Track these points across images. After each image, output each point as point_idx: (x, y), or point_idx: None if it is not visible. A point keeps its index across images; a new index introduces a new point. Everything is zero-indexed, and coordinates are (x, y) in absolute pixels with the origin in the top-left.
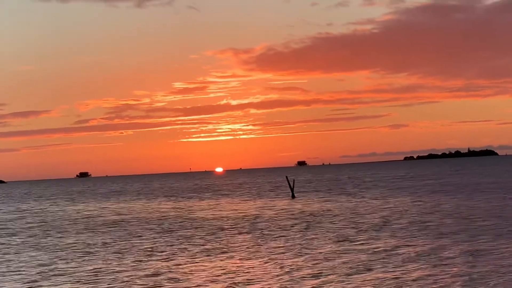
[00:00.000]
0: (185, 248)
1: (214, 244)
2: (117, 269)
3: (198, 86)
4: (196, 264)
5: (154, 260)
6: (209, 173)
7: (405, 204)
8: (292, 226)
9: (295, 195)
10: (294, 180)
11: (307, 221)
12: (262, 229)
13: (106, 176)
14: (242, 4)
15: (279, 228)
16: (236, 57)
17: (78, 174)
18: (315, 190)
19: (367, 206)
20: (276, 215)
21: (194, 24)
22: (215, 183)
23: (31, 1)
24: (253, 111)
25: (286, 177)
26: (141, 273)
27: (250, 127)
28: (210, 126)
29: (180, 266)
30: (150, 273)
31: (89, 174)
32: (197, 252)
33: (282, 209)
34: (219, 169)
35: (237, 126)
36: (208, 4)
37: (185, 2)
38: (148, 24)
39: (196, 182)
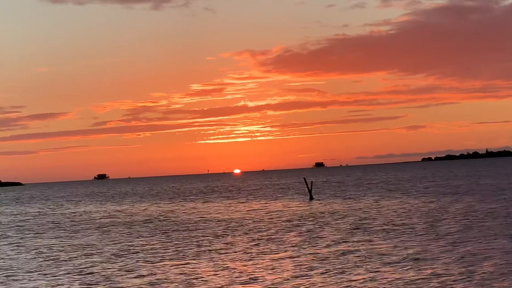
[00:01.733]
0: (191, 250)
1: (219, 246)
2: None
3: (215, 87)
4: (196, 266)
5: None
6: (227, 175)
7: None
8: (302, 227)
9: (313, 196)
10: (312, 181)
11: (322, 223)
12: (279, 231)
13: (129, 177)
14: (259, 6)
15: (294, 230)
16: (253, 59)
17: (96, 176)
18: (334, 191)
19: (390, 208)
20: (292, 217)
21: (211, 25)
22: (235, 184)
23: (47, 4)
24: (270, 112)
25: (304, 178)
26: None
27: (268, 128)
28: (228, 128)
29: (179, 268)
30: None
31: (107, 176)
32: (202, 253)
33: (299, 211)
34: (237, 171)
35: (254, 128)
36: (225, 6)
37: (202, 4)
38: (165, 26)
39: (212, 183)
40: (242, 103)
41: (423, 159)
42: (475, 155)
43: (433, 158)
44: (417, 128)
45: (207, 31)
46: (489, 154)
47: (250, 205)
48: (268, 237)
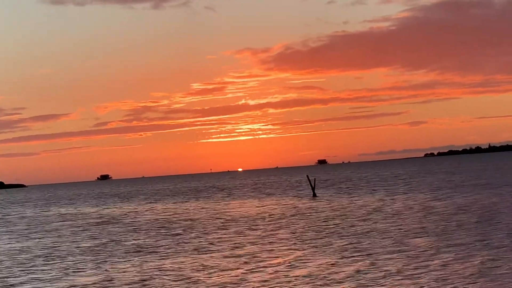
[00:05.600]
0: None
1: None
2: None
3: (216, 86)
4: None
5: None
6: (232, 173)
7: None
8: (301, 225)
9: (317, 193)
10: (315, 179)
11: (321, 220)
12: (282, 227)
13: (143, 177)
14: (259, 4)
15: (297, 226)
16: (254, 57)
17: (99, 177)
18: (337, 188)
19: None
20: (295, 214)
21: (211, 24)
22: (243, 182)
23: (48, 5)
24: (271, 110)
25: (307, 176)
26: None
27: (269, 126)
28: (229, 127)
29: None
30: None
31: (110, 176)
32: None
33: (303, 208)
34: (240, 169)
35: (256, 126)
36: (225, 5)
37: (202, 3)
38: (165, 25)
39: (217, 182)
40: (243, 101)
41: (426, 155)
42: (477, 150)
43: (435, 153)
44: (419, 124)
45: (207, 29)
46: (492, 149)
47: (256, 203)
48: (269, 233)
